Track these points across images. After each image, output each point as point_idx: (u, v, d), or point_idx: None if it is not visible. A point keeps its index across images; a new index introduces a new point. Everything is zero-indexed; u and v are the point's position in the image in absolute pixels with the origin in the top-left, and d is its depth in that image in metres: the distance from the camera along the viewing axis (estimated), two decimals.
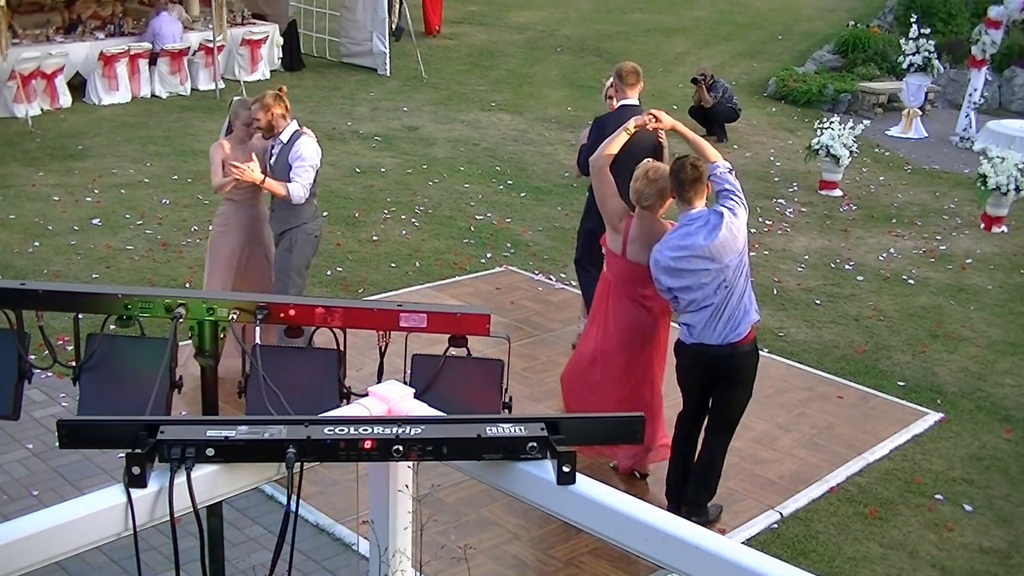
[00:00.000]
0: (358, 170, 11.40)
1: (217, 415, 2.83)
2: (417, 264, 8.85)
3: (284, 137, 6.23)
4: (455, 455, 2.02)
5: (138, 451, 1.89)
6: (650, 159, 5.63)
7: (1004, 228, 10.78)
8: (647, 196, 5.30)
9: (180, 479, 1.88)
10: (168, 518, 1.90)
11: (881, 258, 9.76)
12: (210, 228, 6.54)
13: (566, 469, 1.96)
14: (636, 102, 6.74)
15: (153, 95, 14.17)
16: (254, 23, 15.81)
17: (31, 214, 9.44)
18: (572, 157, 8.07)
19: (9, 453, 5.71)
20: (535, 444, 2.00)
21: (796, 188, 11.73)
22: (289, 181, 6.15)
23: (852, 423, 6.63)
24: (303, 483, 1.93)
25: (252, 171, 6.03)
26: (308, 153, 6.19)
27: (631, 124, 5.62)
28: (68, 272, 8.20)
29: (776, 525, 5.55)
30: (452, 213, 10.25)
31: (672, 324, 5.66)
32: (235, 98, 6.39)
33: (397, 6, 18.27)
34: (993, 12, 14.15)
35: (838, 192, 11.64)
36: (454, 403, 2.47)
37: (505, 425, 2.03)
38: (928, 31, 14.85)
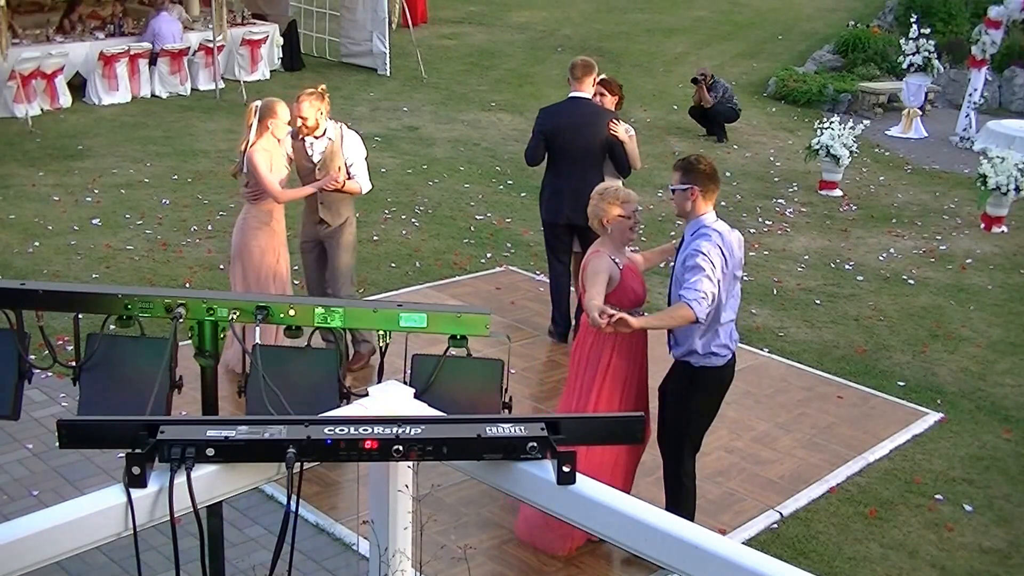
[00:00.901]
0: None
1: (217, 415, 2.83)
2: (417, 264, 8.85)
3: (331, 134, 6.40)
4: (455, 455, 2.01)
5: (138, 451, 1.89)
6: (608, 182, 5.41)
7: (1004, 228, 10.78)
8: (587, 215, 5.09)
9: (180, 479, 1.88)
10: (168, 518, 1.90)
11: (881, 258, 9.76)
12: (241, 228, 6.40)
13: (566, 469, 1.96)
14: (588, 95, 7.16)
15: (153, 95, 14.17)
16: (254, 23, 15.80)
17: (31, 214, 9.44)
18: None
19: (9, 453, 5.71)
20: (535, 444, 2.00)
21: (796, 188, 11.72)
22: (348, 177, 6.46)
23: (852, 423, 6.63)
24: (303, 483, 1.93)
25: (340, 178, 6.35)
26: (360, 149, 6.54)
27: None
28: (68, 272, 8.19)
29: (776, 525, 5.55)
30: (452, 213, 10.25)
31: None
32: (258, 102, 6.33)
33: (396, 5, 18.26)
34: (993, 12, 14.15)
35: (838, 192, 11.63)
36: (454, 403, 2.47)
37: (505, 425, 2.03)
38: (928, 31, 14.85)
